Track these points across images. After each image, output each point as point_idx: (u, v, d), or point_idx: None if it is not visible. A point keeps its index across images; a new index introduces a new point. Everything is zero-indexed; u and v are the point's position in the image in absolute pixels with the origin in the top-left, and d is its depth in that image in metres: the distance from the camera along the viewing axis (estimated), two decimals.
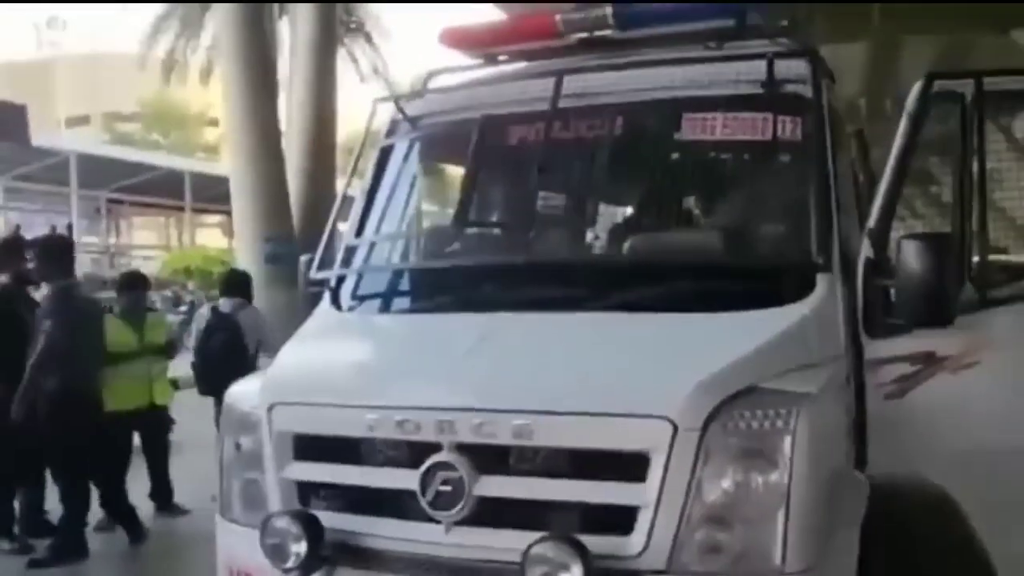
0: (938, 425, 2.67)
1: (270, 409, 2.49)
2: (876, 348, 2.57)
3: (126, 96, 36.95)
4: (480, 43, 3.24)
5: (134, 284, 5.93)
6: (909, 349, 2.61)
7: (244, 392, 2.68)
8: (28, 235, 16.66)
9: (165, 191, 18.04)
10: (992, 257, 2.88)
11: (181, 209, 19.10)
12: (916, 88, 2.60)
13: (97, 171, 16.37)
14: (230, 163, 11.19)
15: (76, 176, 15.22)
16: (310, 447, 2.45)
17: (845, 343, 2.49)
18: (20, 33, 60.64)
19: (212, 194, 13.80)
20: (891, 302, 2.50)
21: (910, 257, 2.37)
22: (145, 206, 21.19)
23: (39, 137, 13.93)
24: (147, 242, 26.42)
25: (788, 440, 2.07)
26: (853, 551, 2.23)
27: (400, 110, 3.14)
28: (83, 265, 17.55)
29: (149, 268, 19.78)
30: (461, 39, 3.23)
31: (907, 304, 2.41)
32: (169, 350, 5.89)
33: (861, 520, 2.30)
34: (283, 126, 11.66)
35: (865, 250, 2.51)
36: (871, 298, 2.51)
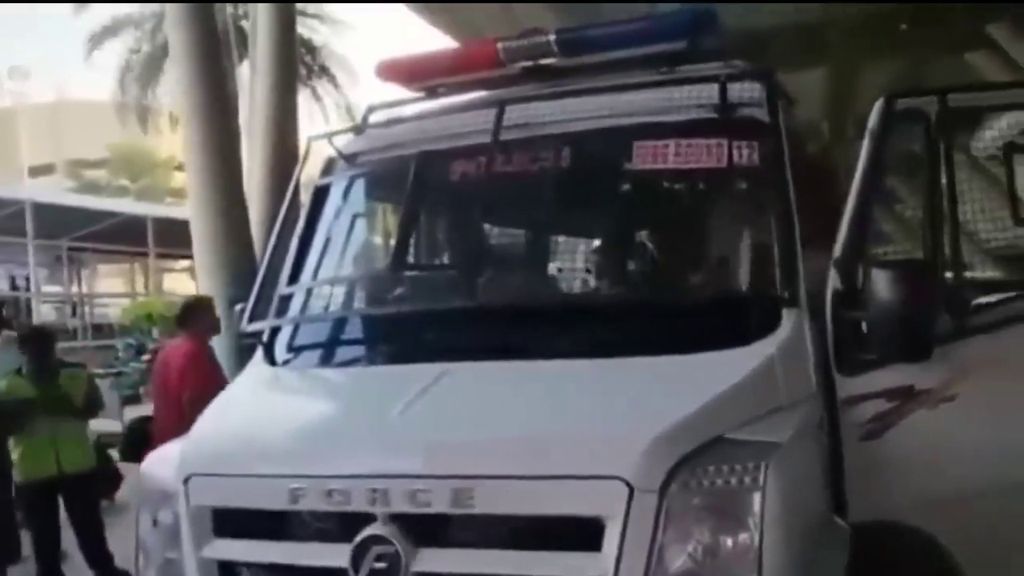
0: (920, 464, 2.50)
1: (186, 481, 2.26)
2: (849, 385, 2.41)
3: (91, 143, 36.60)
4: (419, 75, 3.07)
5: (37, 338, 5.35)
6: (885, 384, 2.44)
7: (162, 460, 2.44)
8: None
9: (129, 237, 17.69)
10: (967, 275, 2.73)
11: (146, 255, 18.72)
12: (877, 108, 2.46)
13: (57, 219, 16.06)
14: (191, 207, 10.95)
15: (33, 225, 14.89)
16: (231, 522, 2.23)
17: (816, 382, 2.31)
18: None
19: (177, 239, 13.54)
20: (863, 336, 2.34)
21: (883, 287, 2.23)
22: (108, 253, 20.77)
23: None
24: (113, 290, 25.94)
25: (757, 497, 1.89)
26: None
27: (335, 147, 2.95)
28: (44, 315, 17.12)
29: (112, 316, 19.38)
30: (399, 72, 3.06)
31: (882, 338, 2.27)
32: (87, 409, 5.28)
33: (843, 572, 2.10)
34: (245, 167, 11.47)
35: (833, 281, 2.35)
36: (842, 332, 2.34)
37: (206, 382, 4.59)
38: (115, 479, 6.19)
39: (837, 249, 2.39)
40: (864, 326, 2.34)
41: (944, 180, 2.59)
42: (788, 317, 2.27)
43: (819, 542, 2.08)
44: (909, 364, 2.36)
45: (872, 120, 2.48)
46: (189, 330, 5.16)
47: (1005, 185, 2.68)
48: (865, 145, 2.44)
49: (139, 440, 5.82)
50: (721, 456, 1.94)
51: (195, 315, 5.22)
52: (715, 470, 1.91)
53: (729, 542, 1.89)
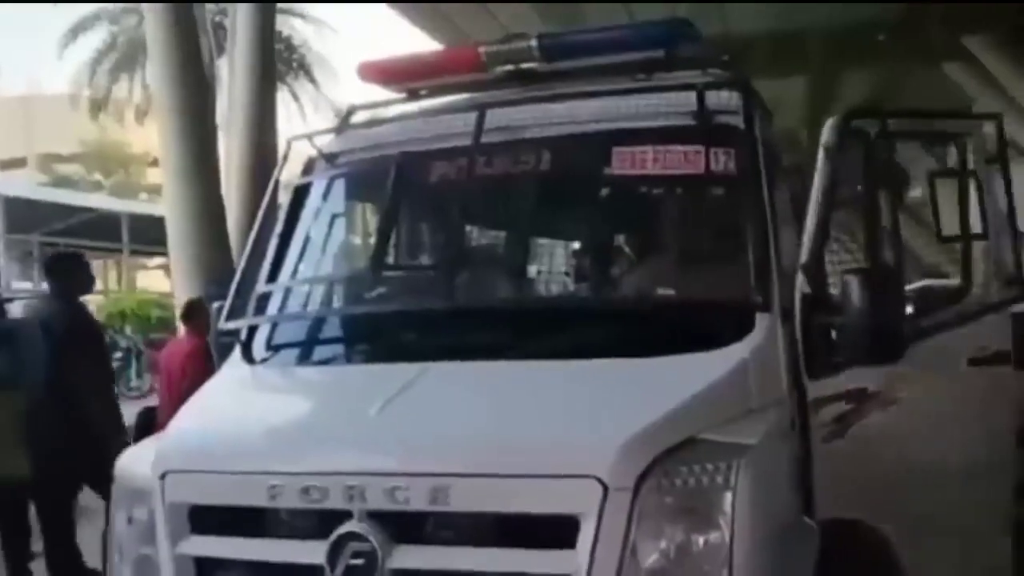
0: (871, 463, 2.62)
1: (162, 477, 2.27)
2: (816, 388, 2.48)
3: (64, 137, 36.09)
4: (401, 77, 3.08)
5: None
6: (844, 387, 2.52)
7: (137, 457, 2.45)
8: None
9: (102, 233, 17.47)
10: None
11: (119, 252, 18.48)
12: (833, 124, 2.52)
13: (29, 214, 15.84)
14: (166, 205, 10.86)
15: (4, 220, 14.68)
16: (208, 519, 2.24)
17: (788, 385, 2.36)
18: None
19: (152, 236, 13.44)
20: (830, 339, 2.41)
21: (857, 292, 2.29)
22: (82, 249, 20.47)
23: None
24: None
25: (728, 496, 1.94)
26: None
27: (316, 147, 2.96)
28: (14, 312, 16.80)
29: None
30: (381, 73, 3.07)
31: (856, 341, 2.33)
32: None
33: (812, 570, 2.15)
34: (222, 165, 11.38)
35: (800, 286, 2.40)
36: (811, 336, 2.39)
37: (205, 377, 4.79)
38: None
39: (802, 256, 2.44)
40: (833, 330, 2.40)
41: (881, 195, 2.66)
42: (761, 321, 2.31)
43: (789, 541, 2.12)
44: (863, 367, 2.44)
45: (825, 134, 2.52)
46: (191, 327, 5.58)
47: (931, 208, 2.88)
48: (819, 157, 2.49)
49: (146, 430, 5.97)
50: (694, 456, 1.98)
51: (197, 313, 5.52)
52: (688, 470, 1.95)
53: (701, 540, 1.93)
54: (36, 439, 4.48)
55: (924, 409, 2.79)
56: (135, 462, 2.45)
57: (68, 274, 4.76)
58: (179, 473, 2.27)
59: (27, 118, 39.47)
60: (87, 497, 5.91)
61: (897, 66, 14.27)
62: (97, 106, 22.28)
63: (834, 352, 2.38)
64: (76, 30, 21.96)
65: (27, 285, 19.13)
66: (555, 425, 2.08)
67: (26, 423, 4.51)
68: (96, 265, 26.17)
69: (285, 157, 3.06)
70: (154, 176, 35.76)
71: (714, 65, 2.88)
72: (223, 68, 15.74)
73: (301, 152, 3.09)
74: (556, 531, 1.94)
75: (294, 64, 21.93)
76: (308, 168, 3.03)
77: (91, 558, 5.17)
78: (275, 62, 13.66)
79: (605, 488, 1.91)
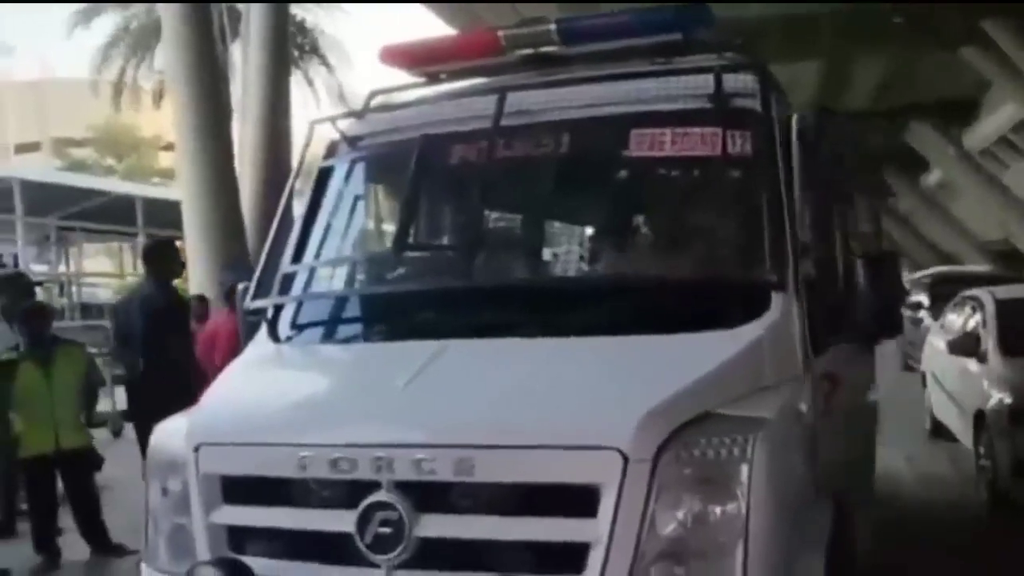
0: (839, 437, 2.82)
1: (196, 450, 2.35)
2: (816, 366, 2.57)
3: (77, 121, 36.27)
4: (421, 61, 3.12)
5: (38, 315, 5.40)
6: (823, 368, 2.62)
7: (170, 431, 2.52)
8: None
9: (118, 217, 17.52)
10: None
11: (135, 235, 18.56)
12: (801, 116, 2.61)
13: (45, 198, 15.90)
14: (182, 190, 10.96)
15: (21, 203, 14.75)
16: (240, 489, 2.32)
17: (802, 362, 2.42)
18: None
19: (167, 220, 13.53)
20: (828, 318, 2.54)
21: (864, 274, 2.44)
22: (97, 232, 20.59)
23: None
24: (101, 269, 25.77)
25: (745, 468, 1.99)
26: None
27: (338, 130, 3.02)
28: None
29: (101, 296, 19.27)
30: (402, 57, 3.12)
31: (866, 319, 2.50)
32: (88, 391, 5.37)
33: (826, 543, 2.21)
34: (236, 150, 11.45)
35: (803, 268, 2.46)
36: (814, 315, 2.47)
37: None
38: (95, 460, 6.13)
39: (801, 239, 2.50)
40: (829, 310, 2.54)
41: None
42: (777, 300, 2.37)
43: (803, 514, 2.18)
44: (830, 350, 2.63)
45: (796, 124, 2.57)
46: (233, 307, 5.91)
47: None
48: (796, 148, 2.53)
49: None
50: (712, 429, 2.04)
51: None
52: (706, 442, 2.01)
53: (718, 510, 1.99)
54: (140, 398, 5.14)
55: (852, 383, 3.17)
56: (168, 436, 2.52)
57: (162, 260, 5.33)
58: (212, 446, 2.35)
59: (40, 103, 39.66)
60: (106, 476, 6.07)
61: (913, 50, 14.16)
62: (120, 92, 22.34)
63: (831, 331, 2.50)
64: (88, 13, 21.99)
65: (43, 268, 19.29)
66: (577, 398, 2.14)
67: (131, 384, 5.32)
68: (111, 248, 26.38)
69: (308, 141, 3.12)
70: (166, 160, 35.87)
71: (730, 49, 2.92)
72: (236, 52, 15.79)
73: (319, 137, 3.15)
74: (577, 501, 2.00)
75: (306, 48, 21.89)
76: (331, 151, 3.09)
77: (116, 534, 5.33)
78: (289, 47, 13.69)
79: (625, 459, 1.98)
